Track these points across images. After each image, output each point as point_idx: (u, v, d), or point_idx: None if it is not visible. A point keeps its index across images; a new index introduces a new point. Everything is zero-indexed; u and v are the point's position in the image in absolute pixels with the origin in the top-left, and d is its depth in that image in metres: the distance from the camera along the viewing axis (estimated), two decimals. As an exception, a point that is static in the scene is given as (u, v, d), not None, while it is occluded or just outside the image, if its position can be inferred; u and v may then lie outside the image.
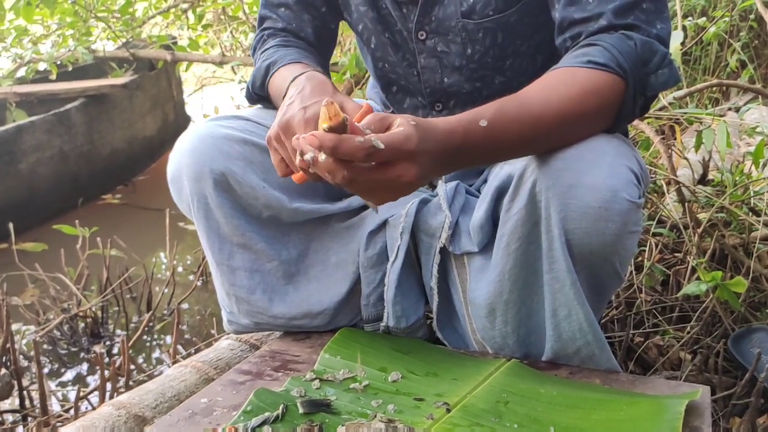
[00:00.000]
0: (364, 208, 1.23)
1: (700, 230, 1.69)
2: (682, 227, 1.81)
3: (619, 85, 0.96)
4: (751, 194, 1.89)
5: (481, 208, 1.10)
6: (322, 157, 0.81)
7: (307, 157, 0.82)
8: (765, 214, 1.79)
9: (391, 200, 0.90)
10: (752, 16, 3.51)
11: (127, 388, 1.70)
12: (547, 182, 0.96)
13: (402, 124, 0.84)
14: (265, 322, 1.23)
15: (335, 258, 1.23)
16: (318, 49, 1.33)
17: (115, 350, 2.33)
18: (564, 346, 1.06)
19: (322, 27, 1.32)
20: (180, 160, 1.16)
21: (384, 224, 1.20)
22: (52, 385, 2.12)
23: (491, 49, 1.17)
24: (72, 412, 1.62)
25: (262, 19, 1.34)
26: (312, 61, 1.24)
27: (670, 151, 1.93)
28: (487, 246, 1.11)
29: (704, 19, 3.01)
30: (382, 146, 0.80)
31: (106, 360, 1.94)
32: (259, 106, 1.30)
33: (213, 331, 2.21)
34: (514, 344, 1.11)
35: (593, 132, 0.98)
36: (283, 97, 1.09)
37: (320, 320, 1.22)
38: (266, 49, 1.27)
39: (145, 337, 2.42)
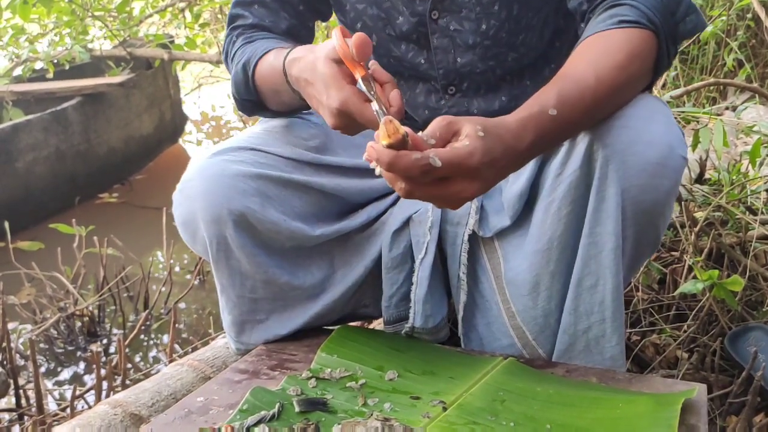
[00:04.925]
0: (382, 214, 1.21)
1: (696, 229, 1.69)
2: (679, 226, 1.81)
3: (652, 39, 0.97)
4: (748, 193, 1.89)
5: (521, 178, 1.07)
6: (378, 170, 0.82)
7: (372, 165, 0.83)
8: (762, 212, 1.79)
9: (450, 209, 0.91)
10: (749, 16, 3.51)
11: (124, 386, 1.70)
12: (605, 140, 0.96)
13: (469, 135, 0.82)
14: (279, 335, 1.20)
15: (355, 271, 1.20)
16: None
17: (112, 349, 2.33)
18: (576, 321, 1.04)
19: (299, 26, 1.27)
20: (192, 204, 1.10)
21: (407, 222, 1.18)
22: (48, 383, 2.12)
23: (506, 23, 1.15)
24: (68, 410, 1.62)
25: (232, 19, 1.26)
26: (284, 44, 1.16)
27: (667, 149, 1.92)
28: (518, 220, 1.10)
29: (701, 18, 3.00)
30: (439, 164, 0.79)
31: (103, 359, 1.94)
32: (259, 127, 1.24)
33: (210, 330, 2.21)
34: (555, 324, 1.08)
35: (639, 91, 1.00)
36: (286, 79, 1.05)
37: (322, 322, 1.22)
38: (236, 52, 1.20)
39: (141, 336, 2.42)
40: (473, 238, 1.15)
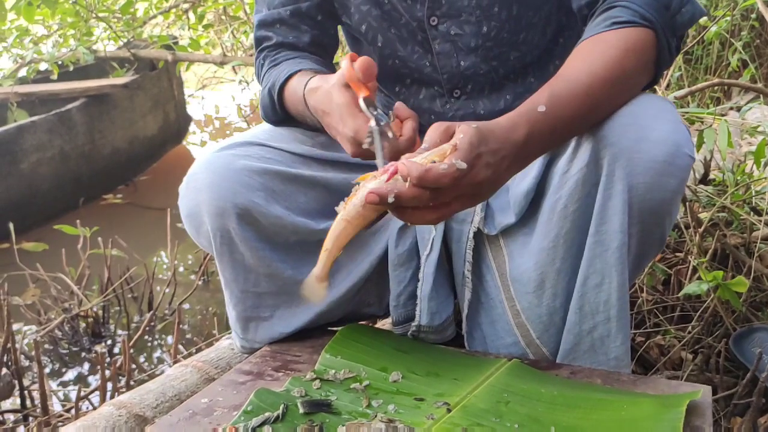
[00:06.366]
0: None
1: (701, 230, 1.69)
2: (683, 227, 1.81)
3: (649, 35, 0.98)
4: (753, 194, 1.88)
5: (527, 177, 1.08)
6: (406, 184, 0.83)
7: (391, 199, 0.83)
8: (766, 213, 1.79)
9: (467, 207, 0.90)
10: (753, 16, 3.51)
11: (128, 387, 1.70)
12: (612, 138, 0.97)
13: (462, 130, 0.85)
14: (284, 333, 1.20)
15: (360, 267, 1.21)
16: (317, 55, 1.30)
17: (117, 350, 2.33)
18: (581, 320, 1.05)
19: (321, 35, 1.30)
20: (197, 196, 1.11)
21: None
22: (53, 384, 2.12)
23: (507, 23, 1.16)
24: (73, 411, 1.62)
25: (258, 42, 1.30)
26: (306, 64, 1.21)
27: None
28: (524, 219, 1.10)
29: (705, 18, 3.00)
30: (464, 165, 0.82)
31: (107, 360, 1.95)
32: (267, 124, 1.26)
33: (214, 331, 2.21)
34: (560, 322, 1.08)
35: (640, 87, 1.01)
36: (307, 107, 1.10)
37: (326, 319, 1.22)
38: (263, 76, 1.25)
39: (146, 336, 2.42)
40: (478, 235, 1.16)
